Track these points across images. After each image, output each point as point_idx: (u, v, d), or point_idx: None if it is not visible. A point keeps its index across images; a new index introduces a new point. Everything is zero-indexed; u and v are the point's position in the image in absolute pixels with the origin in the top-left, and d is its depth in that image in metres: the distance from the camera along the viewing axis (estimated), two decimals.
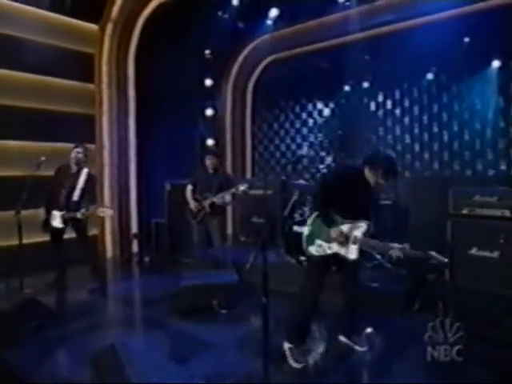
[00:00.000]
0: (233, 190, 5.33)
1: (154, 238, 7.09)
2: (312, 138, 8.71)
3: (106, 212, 4.95)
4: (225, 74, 8.89)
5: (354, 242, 3.33)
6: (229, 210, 8.48)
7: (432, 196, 4.97)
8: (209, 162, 5.55)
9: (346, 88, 8.35)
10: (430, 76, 7.61)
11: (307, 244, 3.48)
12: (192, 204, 5.54)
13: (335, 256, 3.41)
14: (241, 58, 8.85)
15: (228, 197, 5.42)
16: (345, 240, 3.36)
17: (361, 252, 3.37)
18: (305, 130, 8.90)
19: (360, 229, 3.35)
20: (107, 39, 7.05)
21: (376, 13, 6.88)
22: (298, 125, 8.99)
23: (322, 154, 8.26)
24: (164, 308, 4.75)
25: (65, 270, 5.35)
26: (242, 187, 5.28)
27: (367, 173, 3.30)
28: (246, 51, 8.73)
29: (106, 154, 7.17)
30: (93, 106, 7.09)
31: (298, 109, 9.05)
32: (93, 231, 6.93)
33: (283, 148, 9.23)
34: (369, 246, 3.25)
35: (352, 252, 3.35)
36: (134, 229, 7.39)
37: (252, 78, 9.25)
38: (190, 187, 5.63)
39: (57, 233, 5.22)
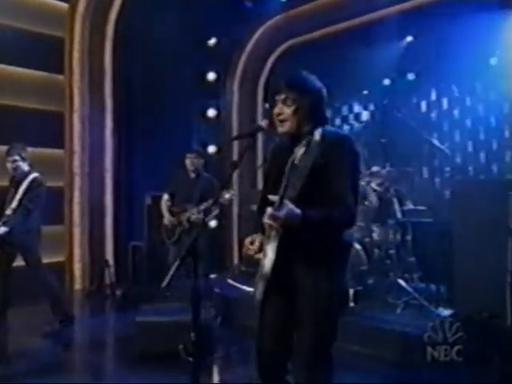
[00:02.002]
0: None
1: (131, 266, 6.79)
2: None
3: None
4: (230, 66, 8.66)
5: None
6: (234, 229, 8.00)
7: (485, 206, 4.36)
8: (189, 161, 5.36)
9: (386, 82, 8.00)
10: (494, 62, 7.03)
11: None
12: (166, 218, 5.38)
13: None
14: (249, 46, 8.64)
15: (215, 209, 5.29)
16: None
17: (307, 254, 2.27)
18: None
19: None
20: (79, 20, 6.91)
21: None
22: None
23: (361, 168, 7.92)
24: (115, 353, 4.63)
25: (5, 305, 5.02)
26: (227, 195, 4.97)
27: None
28: (255, 36, 8.51)
29: (76, 160, 6.98)
30: (61, 101, 6.94)
31: (329, 112, 8.70)
32: (58, 257, 6.77)
33: None
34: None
35: (267, 263, 2.29)
36: (109, 254, 7.09)
37: (264, 71, 8.98)
38: (165, 197, 5.49)
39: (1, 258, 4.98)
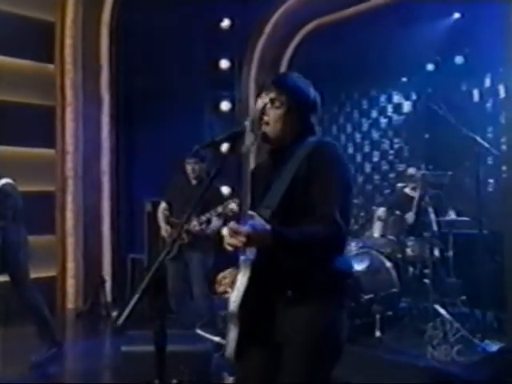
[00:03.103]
0: (219, 210, 4.92)
1: (129, 282, 6.80)
2: (386, 145, 8.43)
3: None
4: (246, 52, 8.60)
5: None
6: None
7: None
8: (190, 168, 5.26)
9: (429, 67, 7.79)
10: None
11: None
12: (163, 230, 5.33)
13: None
14: (268, 28, 8.52)
15: (216, 221, 5.09)
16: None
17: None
18: (375, 134, 8.60)
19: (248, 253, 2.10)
20: (71, 2, 6.86)
21: None
22: (364, 125, 8.72)
23: (401, 167, 7.86)
24: None
25: None
26: (232, 204, 4.87)
27: None
28: (275, 17, 8.39)
29: (69, 162, 6.94)
30: (52, 94, 6.90)
31: (364, 103, 8.77)
32: (49, 272, 6.74)
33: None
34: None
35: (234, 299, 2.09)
36: (107, 268, 7.06)
37: (285, 56, 8.88)
38: (163, 205, 5.46)
39: None
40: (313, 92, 2.29)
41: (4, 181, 4.73)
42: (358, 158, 8.75)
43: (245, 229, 1.86)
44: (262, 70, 8.68)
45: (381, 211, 5.33)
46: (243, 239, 1.86)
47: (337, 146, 2.23)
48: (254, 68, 8.69)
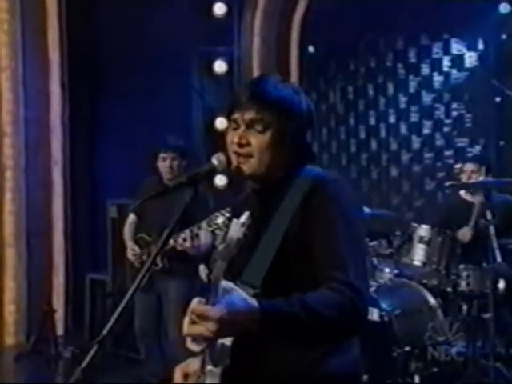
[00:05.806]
0: (204, 226, 4.87)
1: (88, 311, 6.91)
2: (441, 112, 8.44)
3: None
4: None
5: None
6: None
7: None
8: (165, 165, 5.25)
9: (502, 8, 7.78)
10: None
11: None
12: (130, 250, 5.39)
13: None
14: None
15: (205, 234, 5.06)
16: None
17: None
18: (426, 97, 8.56)
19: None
20: None
21: None
22: (412, 85, 8.68)
23: (461, 141, 8.08)
24: None
25: None
26: (220, 218, 4.73)
27: None
28: None
29: (7, 147, 7.07)
30: None
31: (412, 55, 8.74)
32: None
33: (382, 132, 8.96)
34: None
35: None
36: (57, 291, 7.23)
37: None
38: (131, 218, 5.57)
39: None
40: (305, 100, 2.24)
41: None
42: (403, 129, 8.75)
43: (216, 311, 1.69)
44: (270, 18, 8.62)
45: (424, 230, 5.23)
46: (214, 327, 1.68)
47: (343, 183, 2.16)
48: (258, 15, 8.61)
